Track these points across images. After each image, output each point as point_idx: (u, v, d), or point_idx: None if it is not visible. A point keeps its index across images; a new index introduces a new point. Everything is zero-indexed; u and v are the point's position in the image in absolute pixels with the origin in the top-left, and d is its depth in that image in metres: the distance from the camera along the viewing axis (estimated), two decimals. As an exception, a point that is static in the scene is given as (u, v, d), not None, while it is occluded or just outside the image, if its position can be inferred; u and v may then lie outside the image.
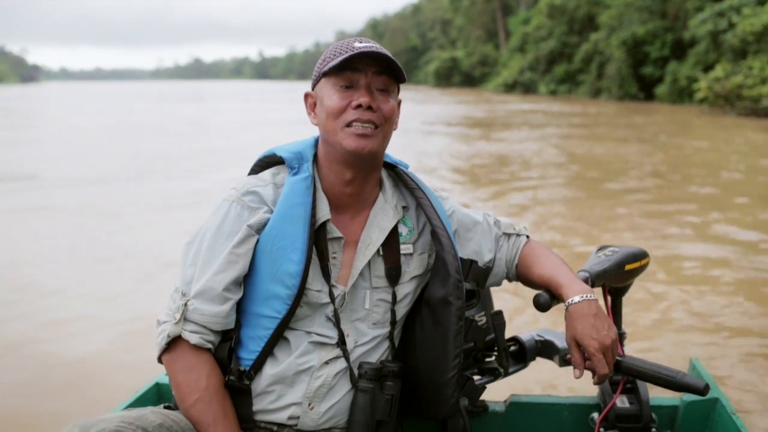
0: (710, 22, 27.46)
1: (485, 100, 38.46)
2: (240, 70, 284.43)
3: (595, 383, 1.57)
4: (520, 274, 1.81)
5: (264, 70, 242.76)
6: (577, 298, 1.56)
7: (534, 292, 1.73)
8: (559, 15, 45.90)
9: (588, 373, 1.82)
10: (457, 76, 64.09)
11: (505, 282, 1.89)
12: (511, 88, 50.29)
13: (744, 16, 24.91)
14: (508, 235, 1.83)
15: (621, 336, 1.89)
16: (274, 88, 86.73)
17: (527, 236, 1.85)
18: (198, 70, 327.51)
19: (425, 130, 19.36)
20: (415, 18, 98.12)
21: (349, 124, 1.51)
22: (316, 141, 1.66)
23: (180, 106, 37.16)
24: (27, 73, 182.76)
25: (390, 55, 1.53)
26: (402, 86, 1.59)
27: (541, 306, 1.65)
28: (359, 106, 1.50)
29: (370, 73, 1.52)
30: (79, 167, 12.69)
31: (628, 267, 1.83)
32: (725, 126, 19.52)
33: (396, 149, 1.70)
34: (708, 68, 26.95)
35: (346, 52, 1.51)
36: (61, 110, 33.45)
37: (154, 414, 1.43)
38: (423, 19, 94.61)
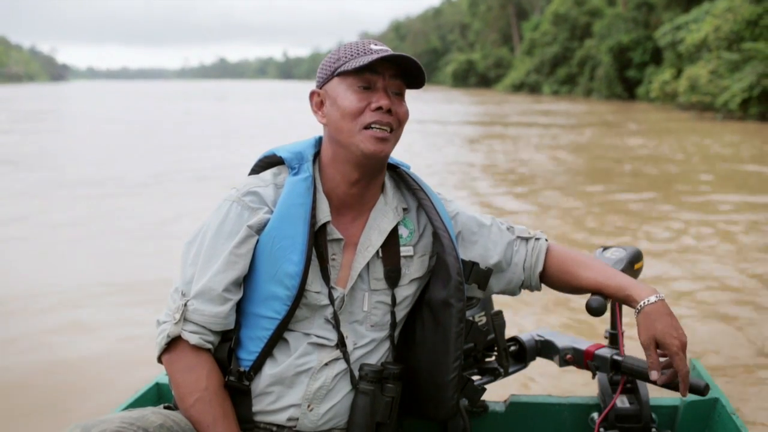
0: (669, 35, 31.94)
1: (491, 101, 40.25)
2: (265, 70, 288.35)
3: (683, 393, 1.48)
4: (554, 279, 1.70)
5: (288, 70, 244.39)
6: (653, 298, 1.50)
7: (560, 295, 1.66)
8: (562, 22, 49.58)
9: (588, 374, 1.85)
10: (474, 77, 67.35)
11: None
12: (518, 88, 54.01)
13: (691, 30, 28.95)
14: (525, 239, 1.73)
15: (621, 336, 1.85)
16: (298, 88, 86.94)
17: (546, 239, 1.75)
18: (223, 70, 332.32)
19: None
20: (436, 21, 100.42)
21: (367, 127, 1.47)
22: (317, 141, 1.61)
23: (211, 108, 37.97)
24: (57, 72, 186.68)
25: (416, 60, 1.49)
26: (424, 86, 1.57)
27: (596, 311, 1.59)
28: (379, 108, 1.47)
29: (388, 75, 1.50)
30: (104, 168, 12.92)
31: (636, 266, 1.85)
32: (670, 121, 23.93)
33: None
34: (679, 72, 32.03)
35: (365, 53, 1.48)
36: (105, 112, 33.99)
37: (154, 414, 1.41)
38: (443, 22, 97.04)
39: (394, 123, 1.51)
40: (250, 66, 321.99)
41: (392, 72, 1.51)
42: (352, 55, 1.51)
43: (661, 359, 1.51)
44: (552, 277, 1.71)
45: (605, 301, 1.60)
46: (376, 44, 1.53)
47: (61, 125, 24.72)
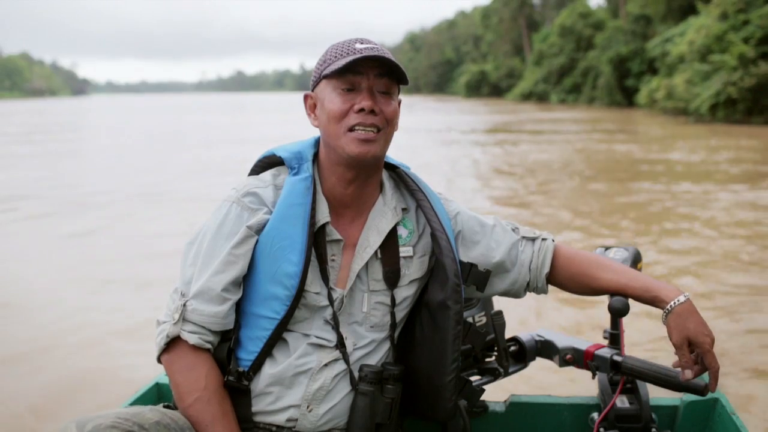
0: (659, 47, 34.98)
1: (504, 110, 41.92)
2: (282, 82, 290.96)
3: (712, 389, 1.49)
4: (566, 280, 1.66)
5: (305, 82, 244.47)
6: (682, 298, 1.49)
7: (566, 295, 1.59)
8: (568, 34, 51.64)
9: (588, 374, 1.83)
10: (486, 88, 69.29)
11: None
12: (527, 97, 56.08)
13: (676, 43, 31.95)
14: (531, 239, 1.69)
15: (621, 336, 1.85)
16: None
17: (553, 239, 1.70)
18: (240, 83, 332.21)
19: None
20: (450, 33, 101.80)
21: (351, 129, 1.45)
22: (316, 141, 1.59)
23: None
24: (77, 87, 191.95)
25: (392, 57, 1.46)
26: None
27: (621, 311, 1.56)
28: (362, 110, 1.44)
29: (372, 75, 1.46)
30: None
31: (638, 266, 1.83)
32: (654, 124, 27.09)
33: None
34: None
35: (348, 53, 1.45)
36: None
37: (151, 411, 1.40)
38: (457, 33, 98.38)
39: (380, 123, 1.47)
40: (268, 78, 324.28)
41: (378, 71, 1.47)
42: (336, 57, 1.48)
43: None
44: (562, 279, 1.67)
45: (628, 302, 1.57)
46: (362, 42, 1.49)
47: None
